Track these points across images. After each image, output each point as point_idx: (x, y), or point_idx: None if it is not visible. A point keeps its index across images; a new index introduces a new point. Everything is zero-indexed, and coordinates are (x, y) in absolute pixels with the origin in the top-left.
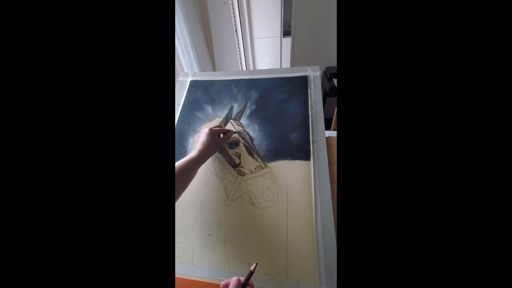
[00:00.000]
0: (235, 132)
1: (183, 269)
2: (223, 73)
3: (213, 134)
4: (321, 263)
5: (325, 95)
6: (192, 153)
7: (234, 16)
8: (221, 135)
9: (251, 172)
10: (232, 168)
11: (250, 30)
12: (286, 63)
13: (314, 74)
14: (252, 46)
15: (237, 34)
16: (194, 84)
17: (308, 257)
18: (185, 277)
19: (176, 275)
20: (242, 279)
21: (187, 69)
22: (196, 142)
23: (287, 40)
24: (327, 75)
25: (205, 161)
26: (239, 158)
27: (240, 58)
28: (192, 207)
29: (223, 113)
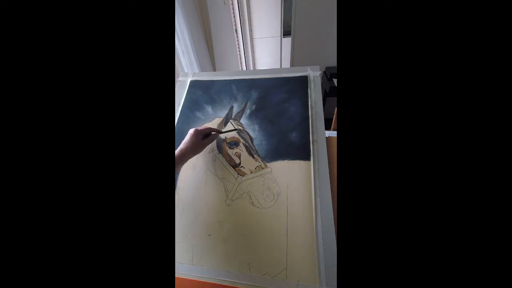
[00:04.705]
0: (222, 133)
1: (183, 269)
2: (223, 73)
3: (197, 135)
4: (321, 263)
5: (325, 95)
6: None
7: (234, 16)
8: (212, 133)
9: (251, 172)
10: (232, 168)
11: (250, 30)
12: (286, 63)
13: (314, 74)
14: (252, 46)
15: (237, 34)
16: (194, 84)
17: (308, 257)
18: (185, 277)
19: (176, 275)
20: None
21: (187, 69)
22: None
23: (287, 40)
24: (327, 75)
25: (185, 161)
26: (239, 158)
27: (240, 58)
28: (192, 207)
29: (223, 113)
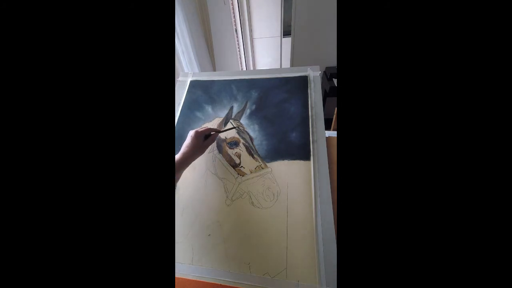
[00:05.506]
0: (222, 132)
1: (183, 269)
2: (223, 73)
3: (198, 137)
4: (321, 263)
5: (325, 95)
6: (176, 156)
7: (234, 16)
8: (212, 134)
9: (251, 172)
10: (232, 168)
11: (250, 30)
12: (286, 63)
13: (314, 74)
14: (252, 46)
15: (237, 34)
16: (194, 84)
17: (308, 257)
18: (185, 277)
19: (176, 275)
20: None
21: (187, 69)
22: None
23: (287, 40)
24: (327, 75)
25: (189, 165)
26: (239, 158)
27: (240, 58)
28: (192, 207)
29: (223, 113)
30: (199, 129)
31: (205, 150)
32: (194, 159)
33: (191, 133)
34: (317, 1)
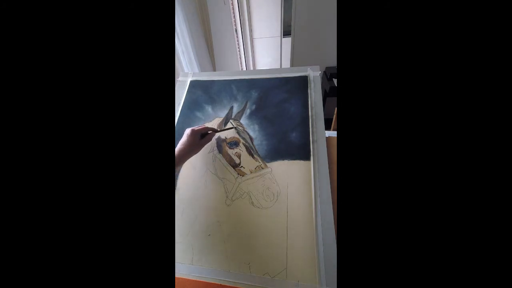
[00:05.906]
0: (219, 131)
1: (183, 269)
2: (223, 73)
3: (194, 135)
4: (321, 263)
5: (325, 95)
6: None
7: (234, 16)
8: (209, 133)
9: (251, 172)
10: (232, 168)
11: (250, 30)
12: (286, 63)
13: (314, 74)
14: (252, 46)
15: (237, 34)
16: (194, 84)
17: (308, 257)
18: (185, 277)
19: (176, 275)
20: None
21: (187, 69)
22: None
23: (287, 40)
24: (327, 75)
25: (183, 162)
26: (239, 158)
27: (240, 58)
28: (192, 207)
29: (223, 113)
30: (196, 127)
31: (201, 148)
32: (189, 157)
33: (187, 131)
34: (317, 1)
